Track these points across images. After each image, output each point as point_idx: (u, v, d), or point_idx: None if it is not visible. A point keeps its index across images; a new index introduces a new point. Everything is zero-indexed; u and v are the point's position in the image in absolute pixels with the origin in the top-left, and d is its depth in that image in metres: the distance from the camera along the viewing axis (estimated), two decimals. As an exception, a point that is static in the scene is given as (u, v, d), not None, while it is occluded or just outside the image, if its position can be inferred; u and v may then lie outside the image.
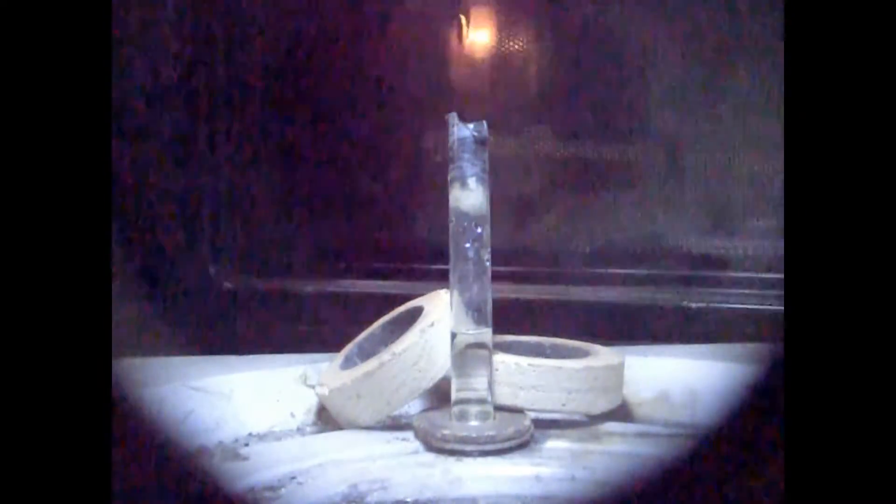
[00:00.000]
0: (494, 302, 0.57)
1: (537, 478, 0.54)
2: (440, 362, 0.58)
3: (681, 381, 0.65)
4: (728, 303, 0.79)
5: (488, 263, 0.57)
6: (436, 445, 0.56)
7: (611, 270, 0.83)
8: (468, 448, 0.55)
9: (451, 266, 0.57)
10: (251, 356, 0.72)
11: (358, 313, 0.74)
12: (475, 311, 0.57)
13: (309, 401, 0.65)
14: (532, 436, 0.58)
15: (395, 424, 0.62)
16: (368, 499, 0.52)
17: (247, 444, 0.60)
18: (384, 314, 0.66)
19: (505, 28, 0.82)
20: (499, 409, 0.58)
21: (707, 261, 0.83)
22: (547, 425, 0.60)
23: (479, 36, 0.82)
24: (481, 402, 0.57)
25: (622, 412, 0.63)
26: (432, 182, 0.68)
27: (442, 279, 0.58)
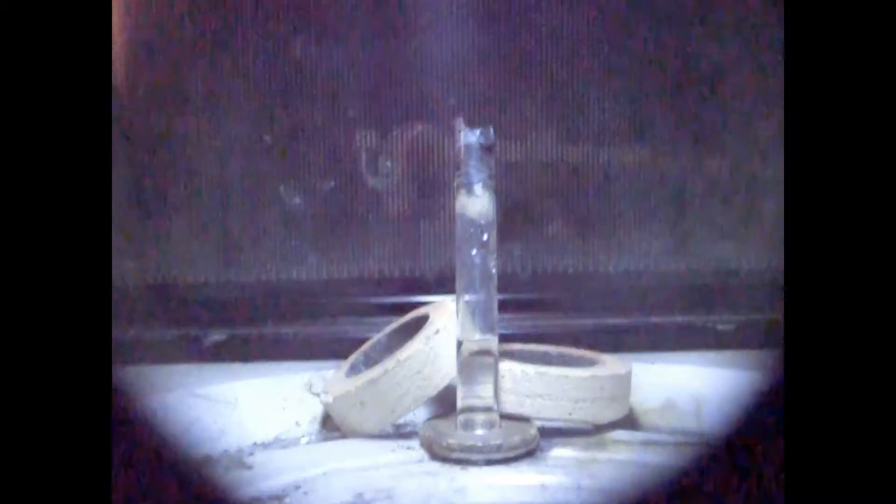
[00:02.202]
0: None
1: (543, 487, 0.54)
2: (445, 370, 0.58)
3: (687, 388, 0.65)
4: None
5: (494, 270, 0.57)
6: (441, 454, 0.56)
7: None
8: (474, 457, 0.55)
9: (457, 273, 0.57)
10: (256, 364, 0.72)
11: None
12: (481, 319, 0.56)
13: (314, 409, 0.65)
14: (538, 444, 0.57)
15: (400, 433, 0.62)
16: (373, 507, 0.52)
17: (251, 453, 0.60)
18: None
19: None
20: (505, 417, 0.58)
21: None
22: (553, 434, 0.59)
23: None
24: (487, 410, 0.57)
25: (628, 420, 0.62)
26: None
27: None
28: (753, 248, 0.82)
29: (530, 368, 0.58)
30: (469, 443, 0.55)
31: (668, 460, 0.56)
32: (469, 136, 0.56)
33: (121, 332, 0.38)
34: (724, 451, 0.43)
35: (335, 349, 0.70)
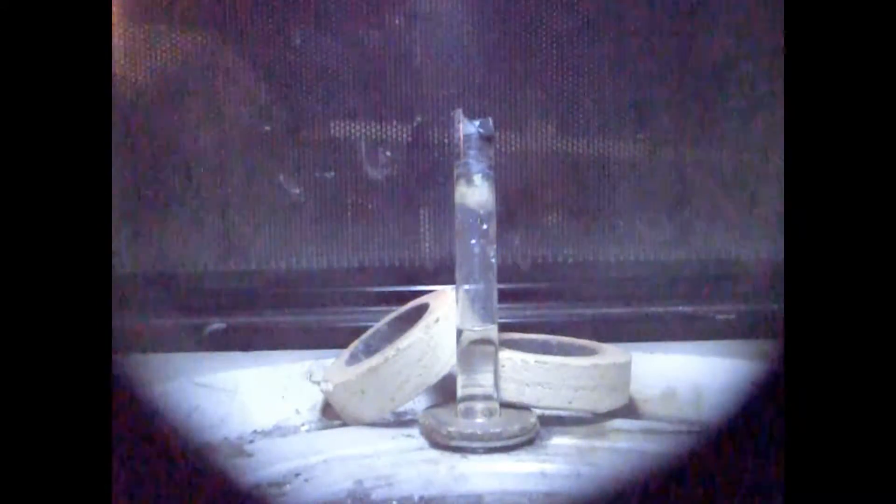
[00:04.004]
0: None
1: (543, 474, 0.54)
2: (444, 358, 0.58)
3: (686, 378, 0.65)
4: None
5: (494, 260, 0.57)
6: (441, 442, 0.56)
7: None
8: (473, 445, 0.55)
9: (457, 263, 0.57)
10: (257, 352, 0.72)
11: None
12: (481, 308, 0.56)
13: (314, 397, 0.65)
14: (538, 433, 0.57)
15: (400, 421, 0.63)
16: (373, 495, 0.52)
17: (252, 441, 0.60)
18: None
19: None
20: (504, 405, 0.58)
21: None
22: (553, 422, 0.60)
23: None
24: (487, 398, 0.57)
25: (628, 409, 0.63)
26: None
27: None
28: (753, 238, 0.82)
29: (530, 357, 0.59)
30: (469, 431, 0.56)
31: (667, 449, 0.56)
32: (468, 127, 0.56)
33: (121, 321, 0.38)
34: (723, 440, 0.43)
35: (335, 338, 0.70)
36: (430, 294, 0.64)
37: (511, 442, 0.56)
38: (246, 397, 0.63)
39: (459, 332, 0.57)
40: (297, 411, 0.64)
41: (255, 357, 0.71)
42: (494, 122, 0.56)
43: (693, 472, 0.42)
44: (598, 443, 0.57)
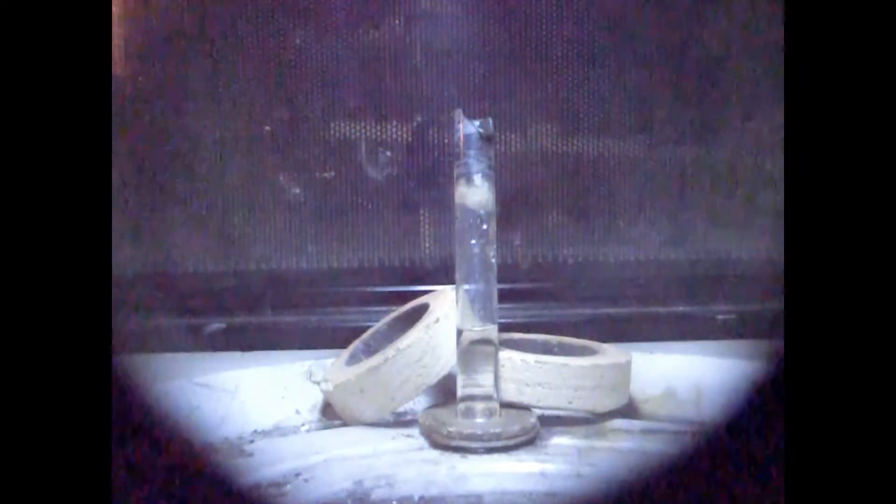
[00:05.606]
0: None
1: (543, 474, 0.54)
2: (444, 359, 0.58)
3: (687, 378, 0.65)
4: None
5: (494, 260, 0.57)
6: (441, 442, 0.56)
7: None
8: (473, 445, 0.55)
9: (456, 263, 0.57)
10: (257, 352, 0.72)
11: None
12: (481, 308, 0.56)
13: (314, 397, 0.65)
14: (538, 433, 0.57)
15: (400, 421, 0.63)
16: (373, 495, 0.52)
17: (252, 441, 0.60)
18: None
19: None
20: (504, 405, 0.58)
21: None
22: (553, 422, 0.60)
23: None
24: (487, 398, 0.57)
25: (628, 409, 0.63)
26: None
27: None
28: (753, 238, 0.82)
29: (530, 357, 0.59)
30: (469, 431, 0.56)
31: (667, 449, 0.56)
32: (468, 127, 0.56)
33: (121, 322, 0.38)
34: (723, 439, 0.43)
35: (335, 338, 0.70)
36: (430, 294, 0.64)
37: (511, 442, 0.55)
38: (246, 397, 0.63)
39: (459, 332, 0.57)
40: (298, 411, 0.64)
41: (255, 357, 0.71)
42: (494, 123, 0.56)
43: (693, 473, 0.42)
44: (598, 443, 0.57)
